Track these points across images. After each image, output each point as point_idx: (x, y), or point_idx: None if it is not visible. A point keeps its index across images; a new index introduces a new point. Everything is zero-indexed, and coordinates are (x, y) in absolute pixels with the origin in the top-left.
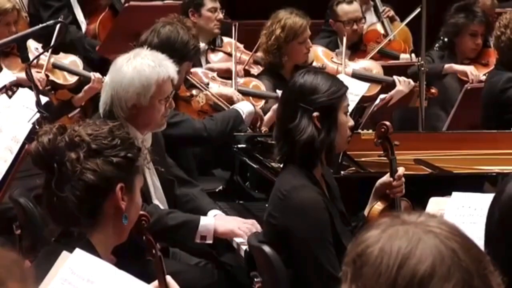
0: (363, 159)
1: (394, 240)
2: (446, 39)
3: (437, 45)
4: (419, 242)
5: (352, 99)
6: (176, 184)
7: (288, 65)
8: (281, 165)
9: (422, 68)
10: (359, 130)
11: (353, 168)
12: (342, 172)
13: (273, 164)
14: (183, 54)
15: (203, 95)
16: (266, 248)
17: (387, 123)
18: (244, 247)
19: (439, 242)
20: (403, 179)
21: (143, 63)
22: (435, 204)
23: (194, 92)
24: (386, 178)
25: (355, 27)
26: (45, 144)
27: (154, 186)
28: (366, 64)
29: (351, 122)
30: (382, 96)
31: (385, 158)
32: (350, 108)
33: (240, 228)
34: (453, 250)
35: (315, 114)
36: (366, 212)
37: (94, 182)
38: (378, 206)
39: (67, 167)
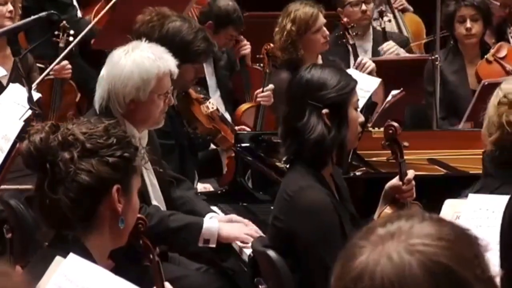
0: (374, 158)
1: (380, 266)
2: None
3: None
4: (409, 268)
5: (363, 95)
6: (175, 185)
7: (306, 58)
8: (287, 165)
9: (437, 63)
10: (370, 128)
11: (364, 168)
12: (351, 173)
13: (278, 164)
14: (181, 54)
15: (213, 101)
16: (271, 253)
17: (395, 124)
18: (248, 251)
19: (429, 262)
20: (413, 182)
21: (143, 56)
22: (450, 207)
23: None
24: (395, 181)
25: (364, 7)
26: (37, 143)
27: (152, 186)
28: None
29: (361, 118)
30: (394, 92)
31: (394, 160)
32: (360, 105)
33: (244, 232)
34: (446, 267)
35: (325, 111)
36: (376, 217)
37: (88, 184)
38: (388, 210)
39: (60, 167)
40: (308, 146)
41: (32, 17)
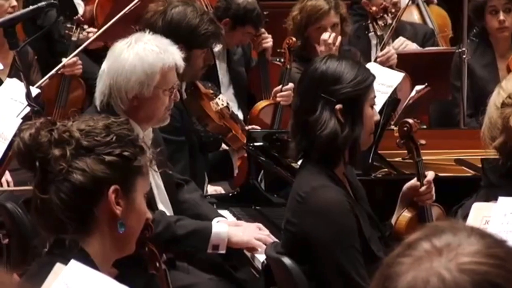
0: (396, 159)
1: (430, 286)
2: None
3: (473, 32)
4: None
5: (385, 91)
6: (184, 187)
7: (315, 51)
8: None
9: (464, 56)
10: (392, 126)
11: (386, 170)
12: (372, 175)
13: (293, 164)
14: (189, 40)
15: (224, 97)
16: (286, 260)
17: (410, 120)
18: (261, 258)
19: (482, 281)
20: (432, 184)
21: (146, 48)
22: (478, 210)
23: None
24: (413, 182)
25: None
26: (26, 139)
27: (157, 188)
28: None
29: (377, 116)
30: (418, 87)
31: (410, 160)
32: (383, 101)
33: (256, 237)
34: (498, 286)
35: (338, 106)
36: (393, 221)
37: (81, 183)
38: (406, 213)
39: (51, 165)
40: (319, 143)
41: (31, 8)
